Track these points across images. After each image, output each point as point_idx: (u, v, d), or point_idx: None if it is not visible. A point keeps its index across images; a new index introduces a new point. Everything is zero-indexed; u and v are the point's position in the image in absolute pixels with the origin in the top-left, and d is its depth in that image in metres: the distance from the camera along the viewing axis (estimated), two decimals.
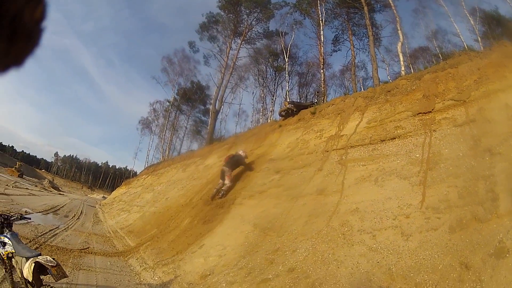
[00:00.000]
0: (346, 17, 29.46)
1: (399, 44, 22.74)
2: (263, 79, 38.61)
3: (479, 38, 24.44)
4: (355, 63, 29.09)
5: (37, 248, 8.35)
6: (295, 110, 15.24)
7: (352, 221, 6.55)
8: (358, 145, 9.01)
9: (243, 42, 36.26)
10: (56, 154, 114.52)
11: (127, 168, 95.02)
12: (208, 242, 9.12)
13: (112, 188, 73.39)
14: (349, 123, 10.36)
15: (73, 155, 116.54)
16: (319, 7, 28.23)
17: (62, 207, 21.12)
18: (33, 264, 4.25)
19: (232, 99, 41.36)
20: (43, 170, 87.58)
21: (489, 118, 6.47)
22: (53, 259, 4.40)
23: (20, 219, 5.75)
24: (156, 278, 8.04)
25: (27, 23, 0.65)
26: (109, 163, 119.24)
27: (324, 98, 24.48)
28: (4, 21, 0.60)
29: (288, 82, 33.47)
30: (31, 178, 49.80)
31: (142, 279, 8.12)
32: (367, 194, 7.10)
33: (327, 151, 9.95)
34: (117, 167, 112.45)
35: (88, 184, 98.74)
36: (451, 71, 8.53)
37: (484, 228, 4.67)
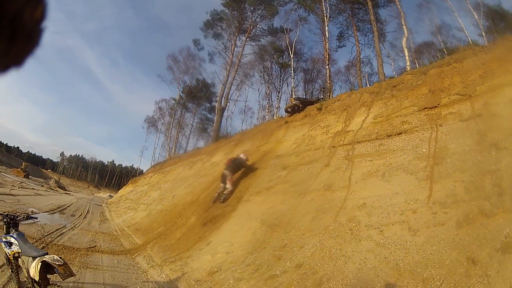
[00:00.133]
0: (350, 12, 29.34)
1: (404, 39, 22.62)
2: (269, 76, 38.70)
3: (483, 32, 24.41)
4: (360, 58, 29.08)
5: (43, 247, 8.40)
6: (301, 106, 15.25)
7: (359, 217, 6.56)
8: (364, 141, 9.02)
9: (247, 39, 36.21)
10: (62, 154, 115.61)
11: (134, 166, 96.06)
12: (215, 239, 9.14)
13: (119, 186, 73.68)
14: (355, 119, 10.37)
15: (79, 155, 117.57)
16: (323, 3, 28.06)
17: (68, 206, 21.23)
18: (40, 263, 4.24)
19: (237, 96, 41.64)
20: (49, 170, 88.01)
21: (494, 112, 6.45)
22: (60, 258, 4.38)
23: (27, 219, 5.75)
24: (164, 276, 8.02)
25: (27, 23, 0.65)
26: (115, 162, 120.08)
27: (330, 94, 24.39)
28: (4, 21, 0.60)
29: (294, 78, 33.53)
30: (37, 178, 50.11)
31: (149, 277, 8.08)
32: (374, 190, 7.11)
33: (334, 147, 9.96)
34: (123, 166, 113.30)
35: (94, 183, 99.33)
36: (456, 65, 8.50)
37: (491, 223, 4.66)
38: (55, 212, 16.77)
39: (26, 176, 41.85)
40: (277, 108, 36.33)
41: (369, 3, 25.05)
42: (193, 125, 49.01)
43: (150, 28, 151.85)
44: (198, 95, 46.86)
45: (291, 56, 33.03)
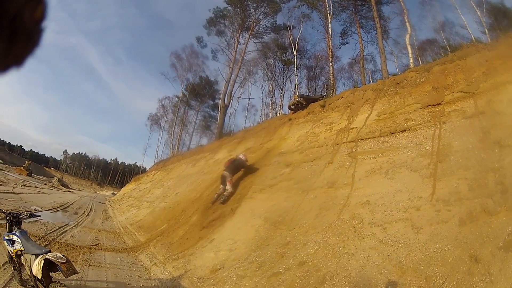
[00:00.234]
0: (353, 9, 29.22)
1: (407, 36, 22.62)
2: (272, 73, 38.73)
3: (486, 30, 24.28)
4: (363, 55, 28.89)
5: (46, 245, 8.40)
6: (304, 103, 15.23)
7: (362, 214, 6.58)
8: (368, 138, 9.02)
9: (250, 37, 36.24)
10: (65, 152, 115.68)
11: (137, 164, 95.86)
12: (218, 236, 9.15)
13: (122, 184, 73.99)
14: (358, 116, 10.36)
15: (82, 153, 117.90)
16: (326, 0, 28.05)
17: (71, 204, 21.28)
18: (43, 261, 4.24)
19: (241, 94, 41.58)
20: (52, 168, 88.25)
21: (498, 110, 6.44)
22: (63, 255, 4.37)
23: (30, 217, 5.78)
24: (167, 273, 8.04)
25: (27, 23, 0.64)
26: (118, 160, 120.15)
27: (333, 91, 24.42)
28: (4, 21, 0.60)
29: (297, 75, 33.37)
30: (40, 177, 50.24)
31: (152, 274, 8.10)
32: (377, 187, 7.11)
33: (337, 144, 9.95)
34: (126, 164, 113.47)
35: (97, 181, 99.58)
36: (459, 63, 8.48)
37: (494, 221, 4.67)
38: (58, 210, 16.81)
39: (29, 175, 41.88)
40: (280, 105, 36.41)
41: (372, 0, 24.97)
42: (196, 122, 49.18)
43: (153, 26, 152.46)
44: (201, 92, 46.91)
45: (294, 53, 32.94)
